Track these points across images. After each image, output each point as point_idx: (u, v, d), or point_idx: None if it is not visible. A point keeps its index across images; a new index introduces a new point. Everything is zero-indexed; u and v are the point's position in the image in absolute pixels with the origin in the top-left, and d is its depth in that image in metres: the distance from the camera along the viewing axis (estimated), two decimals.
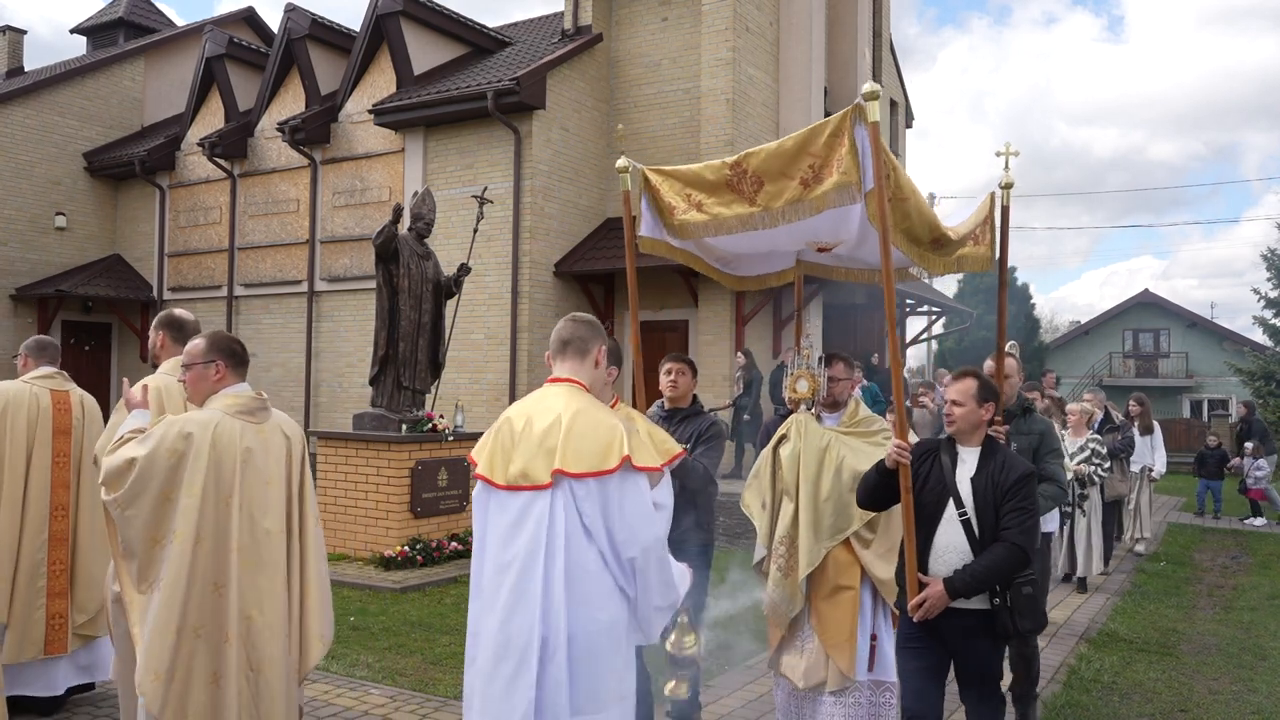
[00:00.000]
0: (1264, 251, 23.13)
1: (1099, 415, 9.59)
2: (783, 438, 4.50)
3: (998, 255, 4.80)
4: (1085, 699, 5.58)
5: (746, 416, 13.38)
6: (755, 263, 5.14)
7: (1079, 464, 8.25)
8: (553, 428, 2.88)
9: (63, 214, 19.29)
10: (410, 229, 9.67)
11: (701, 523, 4.58)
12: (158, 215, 19.70)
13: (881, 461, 3.78)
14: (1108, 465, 8.62)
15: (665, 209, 4.26)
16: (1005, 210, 4.74)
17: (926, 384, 10.85)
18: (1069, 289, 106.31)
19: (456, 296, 10.03)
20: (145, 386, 3.86)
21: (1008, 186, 4.72)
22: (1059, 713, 5.34)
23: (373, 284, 10.03)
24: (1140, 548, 10.94)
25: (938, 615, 3.58)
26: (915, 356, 33.93)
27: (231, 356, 3.52)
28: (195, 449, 3.27)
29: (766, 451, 4.53)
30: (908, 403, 10.54)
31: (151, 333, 4.38)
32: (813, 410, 4.45)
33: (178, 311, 4.44)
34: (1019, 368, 5.20)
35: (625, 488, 2.83)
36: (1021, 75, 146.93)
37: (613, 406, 3.85)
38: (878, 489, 3.80)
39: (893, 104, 21.32)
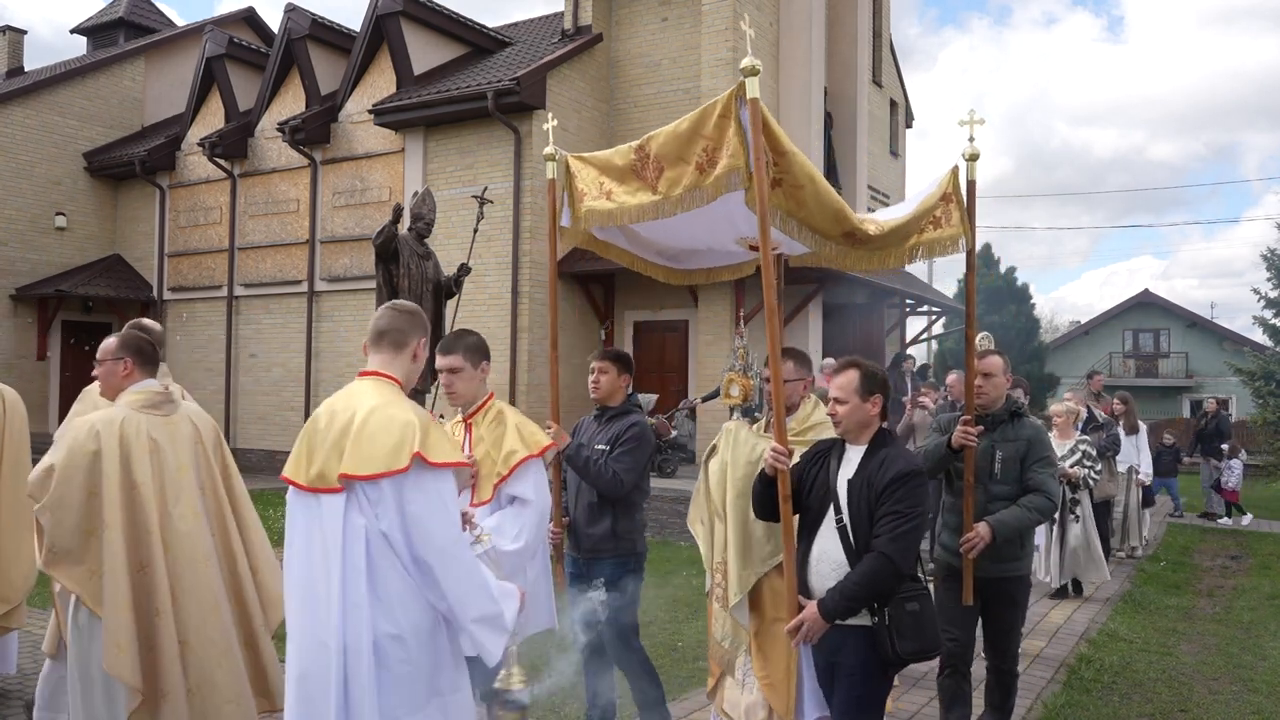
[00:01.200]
0: (1264, 251, 23.05)
1: (1084, 413, 9.24)
2: (714, 449, 4.15)
3: (969, 233, 4.41)
4: (1085, 699, 5.58)
5: (757, 415, 13.37)
6: (701, 257, 4.88)
7: (1072, 467, 7.87)
8: (348, 426, 2.73)
9: (63, 214, 19.29)
10: (410, 229, 9.67)
11: (620, 531, 4.24)
12: (158, 215, 19.69)
13: (763, 469, 3.50)
14: (1099, 468, 8.22)
15: (576, 196, 4.09)
16: (971, 184, 4.38)
17: (930, 384, 10.84)
18: (1069, 289, 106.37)
19: (456, 297, 10.04)
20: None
21: (973, 158, 4.36)
22: (1059, 713, 5.33)
23: (373, 284, 10.04)
24: (1139, 552, 10.71)
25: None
26: (916, 356, 33.93)
27: (139, 354, 3.76)
28: (105, 445, 3.50)
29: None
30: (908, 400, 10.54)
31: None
32: (760, 416, 4.03)
33: (146, 321, 4.58)
34: (1005, 366, 4.59)
35: (420, 486, 2.66)
36: (1022, 75, 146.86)
37: (487, 402, 3.80)
38: (763, 498, 3.56)
39: (892, 104, 21.32)
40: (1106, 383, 35.39)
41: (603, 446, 4.23)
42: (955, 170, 4.36)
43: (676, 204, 3.63)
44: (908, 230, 4.12)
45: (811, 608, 3.28)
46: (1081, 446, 7.97)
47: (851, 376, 3.43)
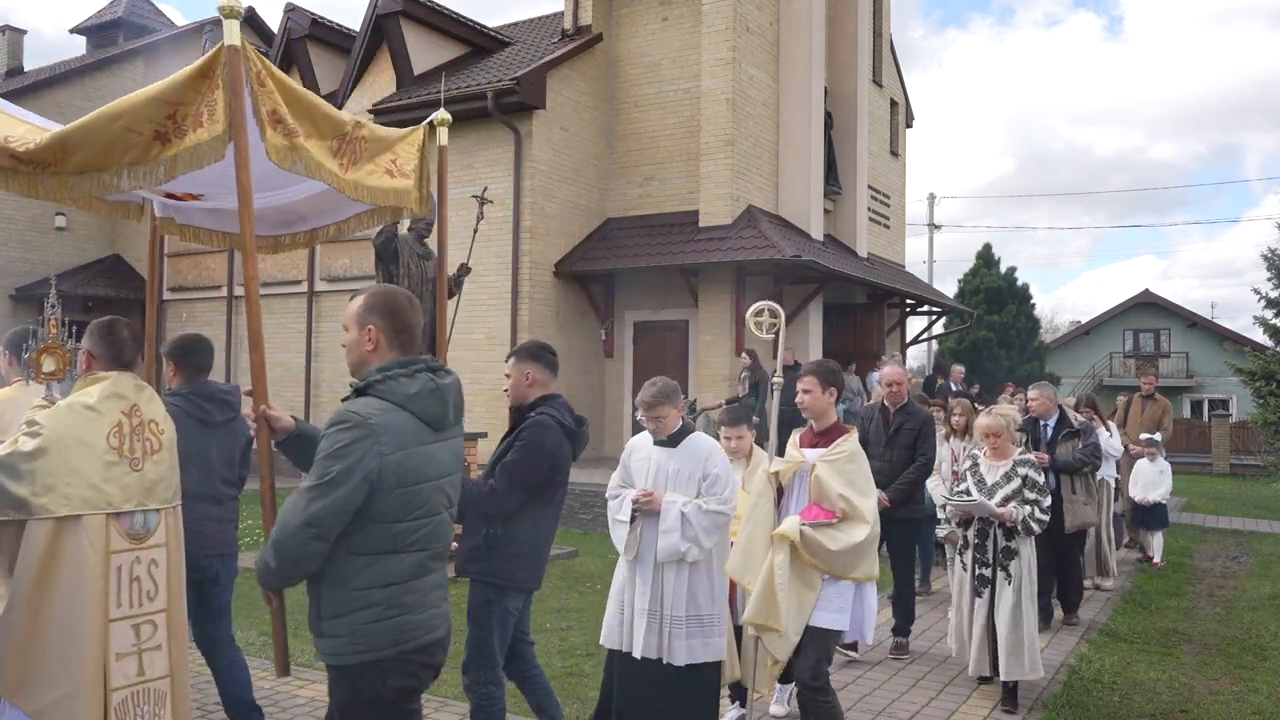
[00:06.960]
0: (1264, 251, 23.03)
1: (1018, 420, 6.52)
2: None
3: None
4: (1085, 699, 5.57)
5: (756, 419, 13.36)
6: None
7: (1003, 505, 5.36)
8: None
9: (62, 214, 19.28)
10: (410, 229, 9.66)
11: None
12: None
13: None
14: (1047, 503, 5.44)
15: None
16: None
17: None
18: (1070, 289, 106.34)
19: (456, 297, 10.03)
20: None
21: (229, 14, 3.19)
22: (1059, 713, 5.33)
23: (373, 284, 10.03)
24: (1109, 584, 8.75)
25: None
26: (915, 356, 33.90)
27: None
28: None
29: None
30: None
31: None
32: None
33: None
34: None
35: None
36: (1023, 76, 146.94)
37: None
38: None
39: (893, 103, 21.32)
40: (1107, 383, 35.00)
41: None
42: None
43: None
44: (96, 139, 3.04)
45: None
46: (1022, 470, 5.44)
47: None
